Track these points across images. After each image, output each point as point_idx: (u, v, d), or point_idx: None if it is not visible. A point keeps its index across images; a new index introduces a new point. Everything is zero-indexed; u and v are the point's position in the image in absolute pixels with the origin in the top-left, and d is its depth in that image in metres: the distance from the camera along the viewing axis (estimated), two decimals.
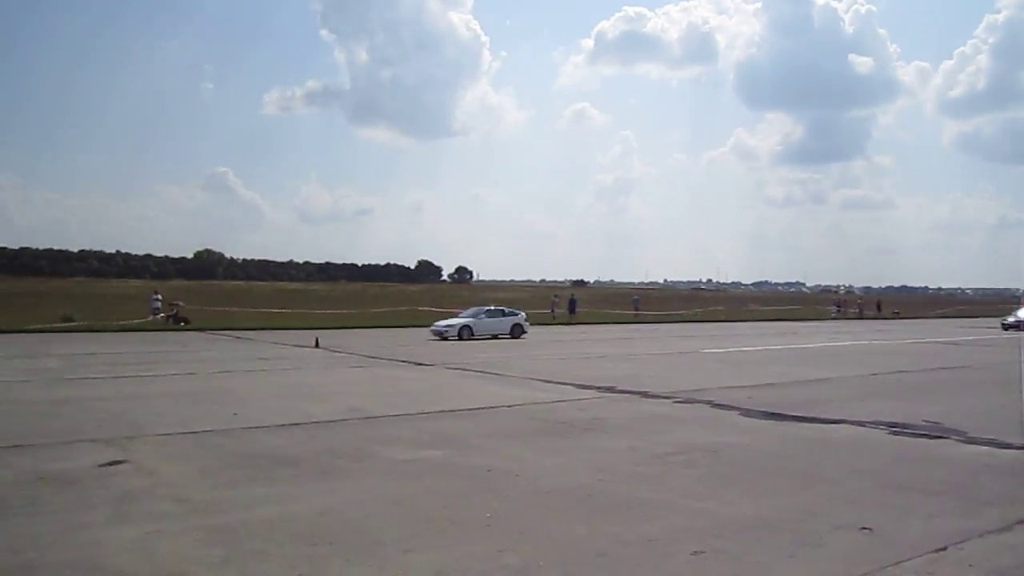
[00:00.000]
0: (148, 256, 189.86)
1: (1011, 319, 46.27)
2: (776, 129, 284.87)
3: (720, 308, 73.75)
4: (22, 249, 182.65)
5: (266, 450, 9.85)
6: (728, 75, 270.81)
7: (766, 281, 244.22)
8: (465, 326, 33.09)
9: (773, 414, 12.95)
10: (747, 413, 13.10)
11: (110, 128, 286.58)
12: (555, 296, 56.32)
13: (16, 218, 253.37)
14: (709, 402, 14.27)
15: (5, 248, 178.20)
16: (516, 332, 34.69)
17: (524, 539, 6.43)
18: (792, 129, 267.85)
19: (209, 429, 11.19)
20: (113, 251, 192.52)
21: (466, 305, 43.71)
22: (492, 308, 36.91)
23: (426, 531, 6.63)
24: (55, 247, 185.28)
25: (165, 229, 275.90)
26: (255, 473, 8.67)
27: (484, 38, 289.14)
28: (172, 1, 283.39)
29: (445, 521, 6.94)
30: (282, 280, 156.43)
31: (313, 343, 26.99)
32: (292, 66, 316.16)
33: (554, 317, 50.55)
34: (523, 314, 36.89)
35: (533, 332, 35.71)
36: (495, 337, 33.68)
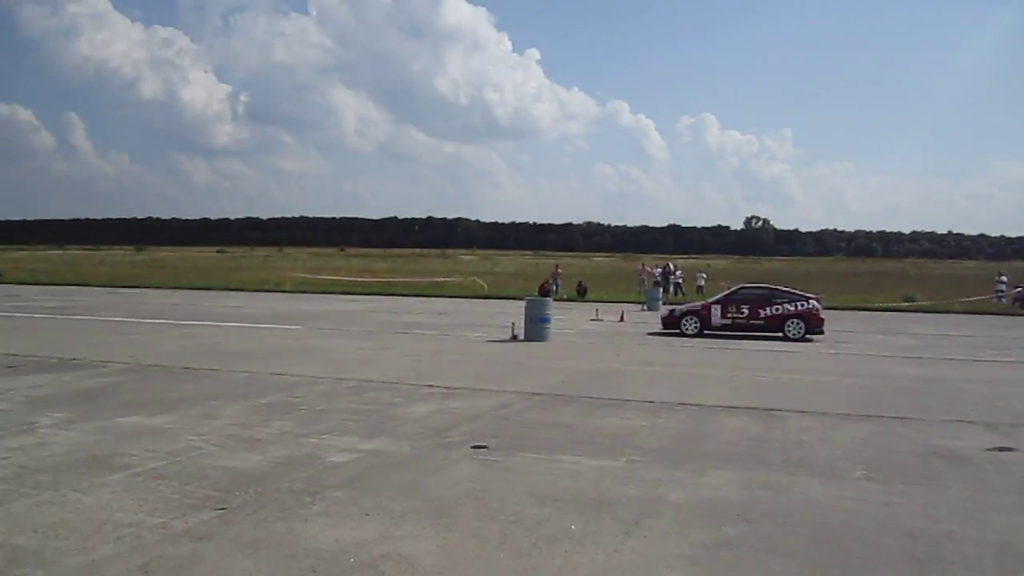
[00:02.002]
0: (982, 236, 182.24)
1: None
2: None
3: None
4: (856, 232, 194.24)
5: None
6: None
7: None
8: None
9: None
10: None
11: (938, 109, 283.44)
12: None
13: (852, 203, 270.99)
14: None
15: (843, 231, 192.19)
16: None
17: None
18: None
19: None
20: (945, 232, 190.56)
21: None
22: None
23: None
24: (886, 229, 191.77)
25: (1000, 207, 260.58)
26: None
27: None
28: None
29: None
30: None
31: None
32: None
33: None
34: None
35: None
36: None
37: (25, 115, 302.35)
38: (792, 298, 21.43)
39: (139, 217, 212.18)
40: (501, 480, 7.06)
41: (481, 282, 42.44)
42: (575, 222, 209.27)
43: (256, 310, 27.65)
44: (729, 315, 21.33)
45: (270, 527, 5.72)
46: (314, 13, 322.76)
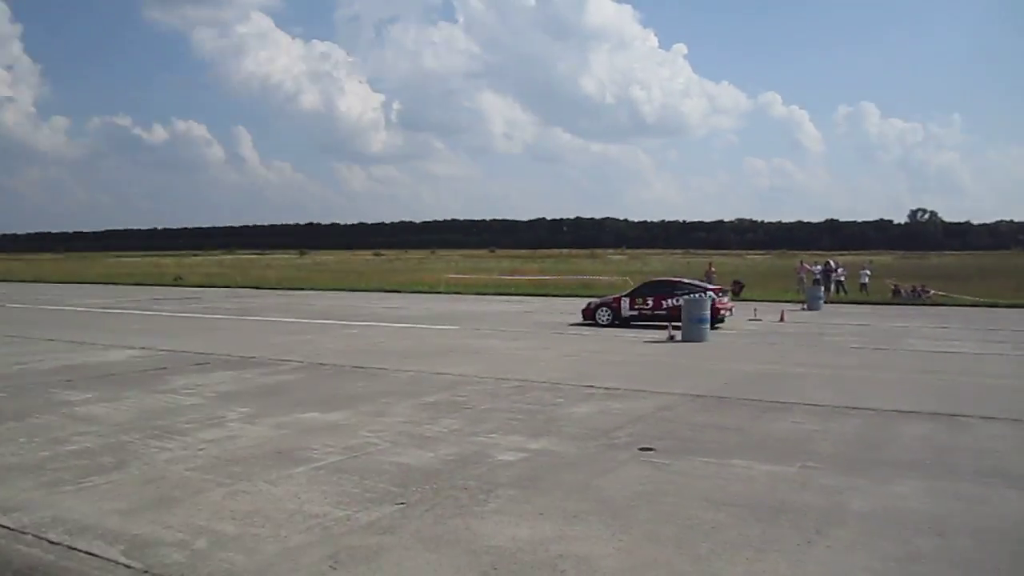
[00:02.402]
0: None
1: None
2: None
3: None
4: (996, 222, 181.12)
5: None
6: None
7: None
8: None
9: None
10: None
11: None
12: None
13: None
14: None
15: (1021, 222, 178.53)
16: None
17: None
18: None
19: None
20: None
21: None
22: None
23: None
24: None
25: None
26: None
27: None
28: None
29: None
30: None
31: None
32: None
33: None
34: None
35: None
36: None
37: (199, 130, 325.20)
38: (692, 290, 22.14)
39: (301, 223, 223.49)
40: (672, 483, 6.96)
41: (632, 282, 42.05)
42: (726, 219, 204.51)
43: (414, 311, 28.50)
44: (636, 307, 22.63)
45: (448, 523, 5.87)
46: (461, 20, 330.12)
